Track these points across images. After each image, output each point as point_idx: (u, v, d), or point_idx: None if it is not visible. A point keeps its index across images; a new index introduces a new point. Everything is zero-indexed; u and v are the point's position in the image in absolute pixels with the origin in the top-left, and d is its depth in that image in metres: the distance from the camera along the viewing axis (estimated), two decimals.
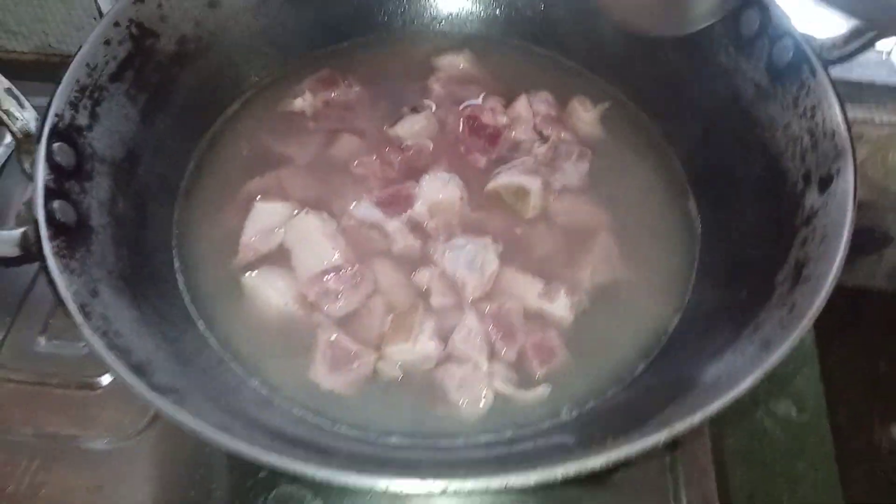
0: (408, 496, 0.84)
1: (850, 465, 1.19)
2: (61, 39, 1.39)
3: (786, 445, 1.12)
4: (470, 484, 0.53)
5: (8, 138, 1.20)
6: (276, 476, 0.85)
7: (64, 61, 0.78)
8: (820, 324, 1.15)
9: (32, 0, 1.32)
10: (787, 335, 0.62)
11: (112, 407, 0.92)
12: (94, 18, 1.28)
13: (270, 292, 0.83)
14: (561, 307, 0.83)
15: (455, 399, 0.77)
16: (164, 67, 0.91)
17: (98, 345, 0.61)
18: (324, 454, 0.65)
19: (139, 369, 0.62)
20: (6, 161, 1.18)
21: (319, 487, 0.84)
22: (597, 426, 0.71)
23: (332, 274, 0.84)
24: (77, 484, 0.85)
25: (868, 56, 1.39)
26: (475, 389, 0.77)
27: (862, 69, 1.38)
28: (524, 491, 0.83)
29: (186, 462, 0.87)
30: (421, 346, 0.79)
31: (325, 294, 0.83)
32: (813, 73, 0.77)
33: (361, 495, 0.84)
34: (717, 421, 0.91)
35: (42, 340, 0.98)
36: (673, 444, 0.87)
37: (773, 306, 0.69)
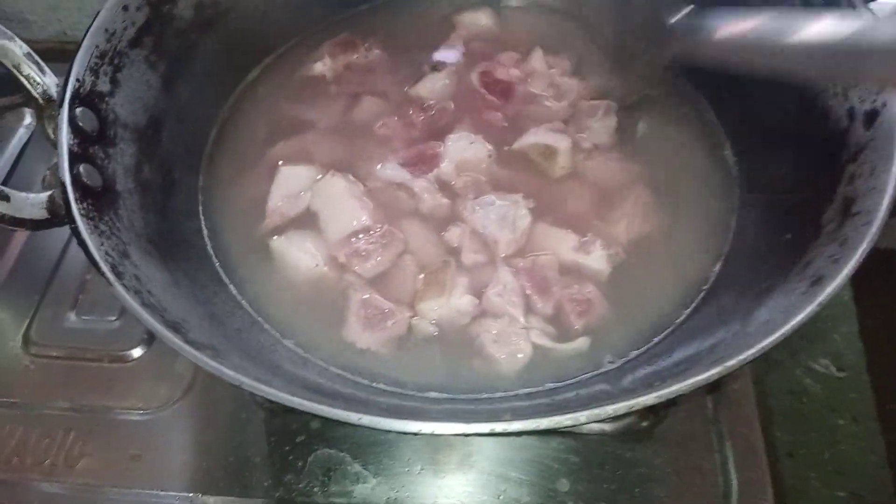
0: (446, 456, 0.83)
1: (891, 421, 1.16)
2: (75, 27, 1.39)
3: (826, 402, 1.10)
4: (517, 425, 0.51)
5: (27, 119, 1.20)
6: (314, 440, 0.84)
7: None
8: (856, 283, 1.14)
9: None
10: (840, 268, 0.59)
11: (145, 378, 0.92)
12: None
13: (300, 255, 0.82)
14: (597, 260, 0.81)
15: (493, 353, 0.75)
16: (183, 34, 0.89)
17: (132, 303, 0.60)
18: (365, 405, 0.63)
19: (175, 327, 0.61)
20: (27, 142, 1.18)
21: (358, 450, 0.83)
22: (641, 374, 0.69)
23: (361, 235, 0.83)
24: (115, 455, 0.86)
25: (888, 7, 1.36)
26: (513, 343, 0.75)
27: None
28: (569, 448, 0.82)
29: (223, 430, 0.87)
30: (455, 301, 0.77)
31: (355, 255, 0.81)
32: (851, 5, 0.74)
33: (400, 458, 0.83)
34: (760, 379, 0.89)
35: (72, 316, 0.98)
36: (717, 394, 0.85)
37: (821, 244, 0.66)
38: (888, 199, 0.62)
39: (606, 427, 0.84)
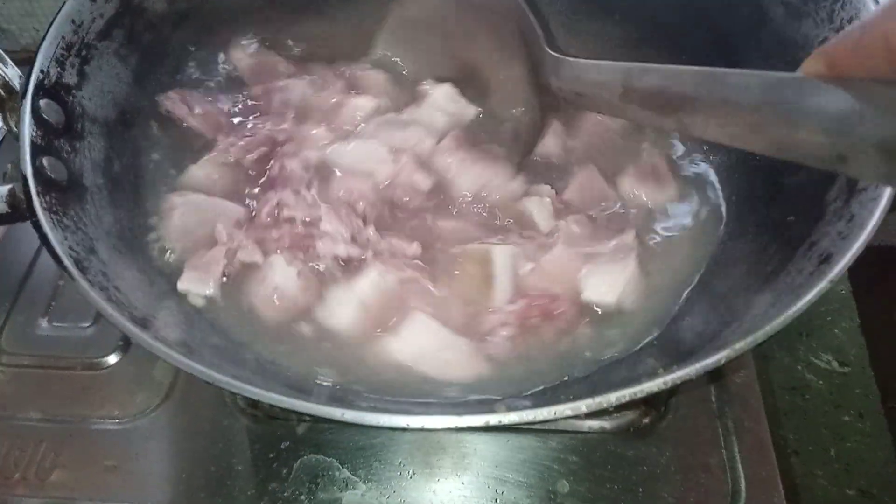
0: (440, 459, 0.79)
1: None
2: None
3: (829, 399, 1.07)
4: (513, 416, 0.48)
5: None
6: (300, 446, 0.80)
7: None
8: (854, 278, 1.12)
9: None
10: (849, 245, 0.56)
11: (121, 386, 0.87)
12: None
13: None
14: None
15: None
16: (155, 27, 0.86)
17: (97, 298, 0.56)
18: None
19: (143, 323, 0.57)
20: None
21: (346, 455, 0.79)
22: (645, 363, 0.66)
23: None
24: (90, 466, 0.81)
25: None
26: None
27: None
28: (569, 447, 0.78)
29: (204, 437, 0.82)
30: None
31: None
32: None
33: (391, 462, 0.79)
34: (762, 377, 0.86)
35: (44, 323, 0.94)
36: (717, 375, 0.82)
37: (827, 223, 0.63)
38: None
39: (607, 425, 0.80)
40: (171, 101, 0.88)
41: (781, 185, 0.76)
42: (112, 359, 0.90)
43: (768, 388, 0.99)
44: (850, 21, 0.72)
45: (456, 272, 0.76)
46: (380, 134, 0.85)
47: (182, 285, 0.73)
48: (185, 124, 0.88)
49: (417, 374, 0.70)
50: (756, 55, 0.84)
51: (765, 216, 0.76)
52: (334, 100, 0.90)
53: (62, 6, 0.75)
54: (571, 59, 0.76)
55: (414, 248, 0.77)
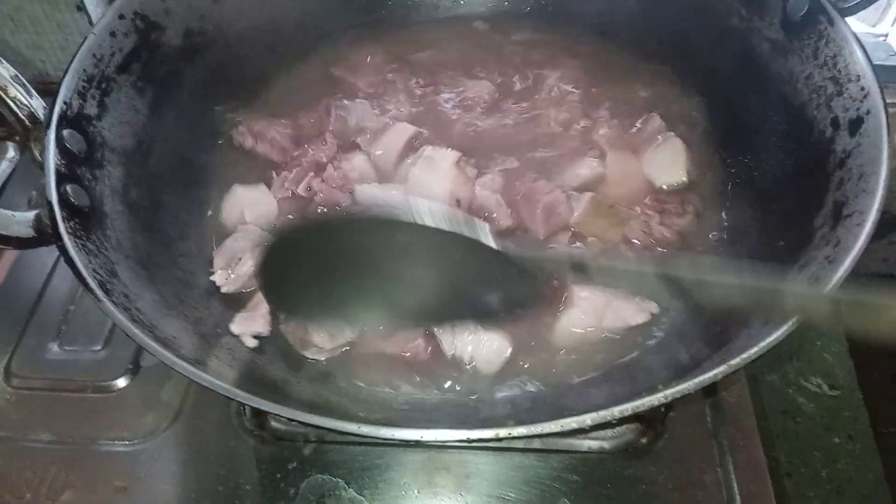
0: (443, 479, 0.81)
1: (887, 438, 1.16)
2: (58, 67, 1.38)
3: (820, 421, 1.10)
4: (521, 430, 0.50)
5: (10, 153, 1.19)
6: (307, 466, 0.82)
7: None
8: None
9: (28, 27, 1.32)
10: (836, 268, 0.60)
11: (131, 408, 0.89)
12: None
13: None
14: None
15: None
16: (171, 61, 0.90)
17: (122, 318, 0.59)
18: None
19: (165, 343, 0.60)
20: (10, 175, 1.16)
21: (352, 476, 0.81)
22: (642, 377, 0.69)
23: None
24: (100, 487, 0.83)
25: (866, 39, 1.40)
26: None
27: None
28: (569, 467, 0.80)
29: (212, 459, 0.84)
30: None
31: None
32: (831, 22, 0.76)
33: (395, 482, 0.81)
34: (755, 401, 0.88)
35: (55, 347, 0.96)
36: (712, 391, 0.85)
37: (815, 248, 0.67)
38: (879, 200, 0.63)
39: (606, 444, 0.82)
40: (241, 134, 0.94)
41: (771, 211, 0.80)
42: (122, 382, 0.91)
43: (761, 411, 1.01)
44: (833, 58, 0.76)
45: None
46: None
47: (235, 329, 0.76)
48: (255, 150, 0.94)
49: None
50: (742, 90, 0.88)
51: (756, 241, 0.80)
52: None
53: (84, 41, 0.78)
54: None
55: None
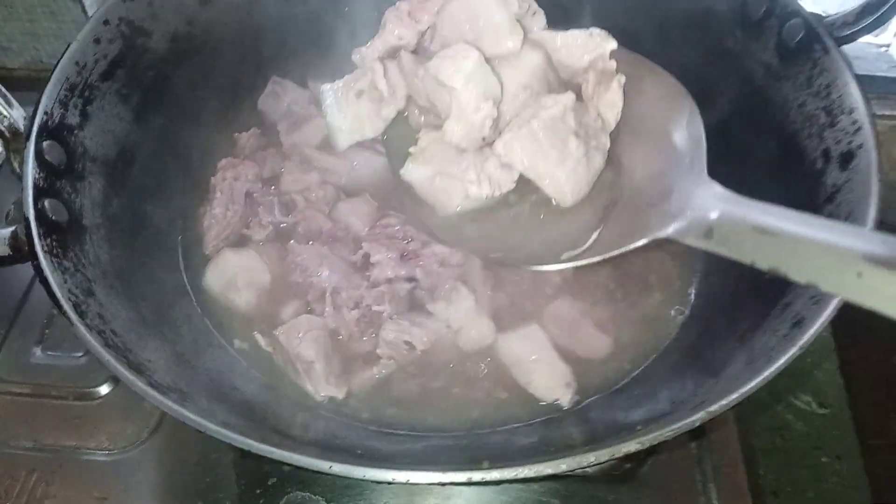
0: (424, 499, 0.81)
1: (874, 458, 1.16)
2: (52, 54, 1.37)
3: (809, 439, 1.09)
4: (495, 474, 0.50)
5: None
6: (287, 483, 0.82)
7: None
8: (836, 322, 1.15)
9: (23, 15, 1.30)
10: (821, 310, 0.59)
11: (112, 417, 0.89)
12: None
13: None
14: None
15: None
16: (157, 66, 0.88)
17: (95, 344, 0.58)
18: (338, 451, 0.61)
19: (139, 368, 0.59)
20: None
21: (332, 494, 0.81)
22: (619, 418, 0.68)
23: None
24: (80, 497, 0.83)
25: (868, 50, 1.38)
26: None
27: (862, 62, 1.36)
28: (551, 491, 0.80)
29: (192, 471, 0.84)
30: None
31: None
32: (826, 51, 0.75)
33: (375, 501, 0.81)
34: (742, 417, 0.88)
35: (38, 351, 0.95)
36: (700, 434, 0.84)
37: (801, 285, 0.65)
38: None
39: (589, 469, 0.81)
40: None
41: None
42: (104, 389, 0.91)
43: (750, 428, 1.01)
44: (827, 87, 0.75)
45: None
46: None
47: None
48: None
49: None
50: (735, 113, 0.86)
51: (741, 271, 0.78)
52: None
53: (67, 48, 0.77)
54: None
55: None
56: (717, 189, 0.62)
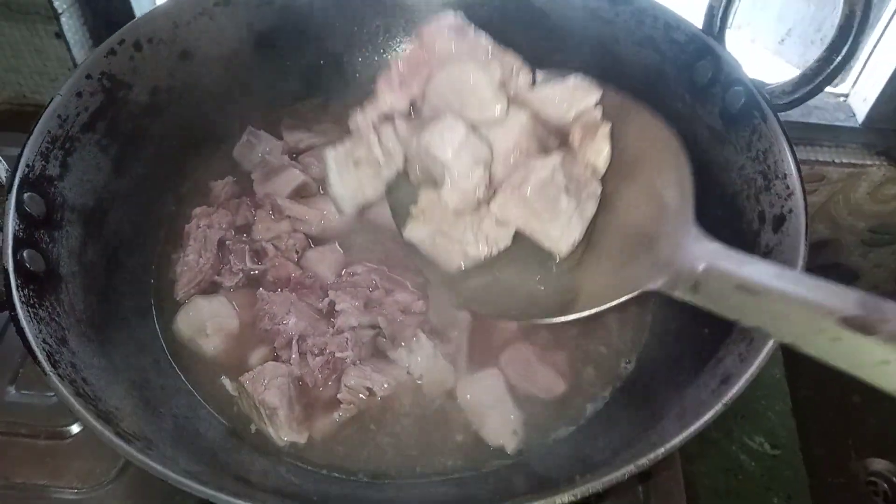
0: None
1: (828, 498, 1.19)
2: (35, 90, 1.40)
3: (761, 481, 1.13)
4: None
5: None
6: None
7: (38, 111, 0.78)
8: (787, 361, 1.18)
9: (6, 50, 1.33)
10: (746, 368, 0.63)
11: (82, 456, 0.91)
12: (69, 69, 1.29)
13: None
14: None
15: None
16: (137, 117, 0.92)
17: (66, 393, 0.61)
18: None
19: (107, 417, 0.62)
20: None
21: None
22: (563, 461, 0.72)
23: None
24: None
25: (827, 100, 1.45)
26: None
27: (821, 112, 1.43)
28: None
29: None
30: None
31: None
32: (764, 118, 0.80)
33: None
34: (690, 457, 0.91)
35: (11, 390, 0.97)
36: (646, 476, 0.88)
37: (732, 342, 0.70)
38: None
39: None
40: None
41: None
42: (75, 428, 0.93)
43: (704, 469, 1.04)
44: (764, 153, 0.80)
45: None
46: None
47: None
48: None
49: None
50: None
51: (683, 324, 0.83)
52: None
53: (50, 101, 0.80)
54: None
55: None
56: (704, 240, 0.62)
